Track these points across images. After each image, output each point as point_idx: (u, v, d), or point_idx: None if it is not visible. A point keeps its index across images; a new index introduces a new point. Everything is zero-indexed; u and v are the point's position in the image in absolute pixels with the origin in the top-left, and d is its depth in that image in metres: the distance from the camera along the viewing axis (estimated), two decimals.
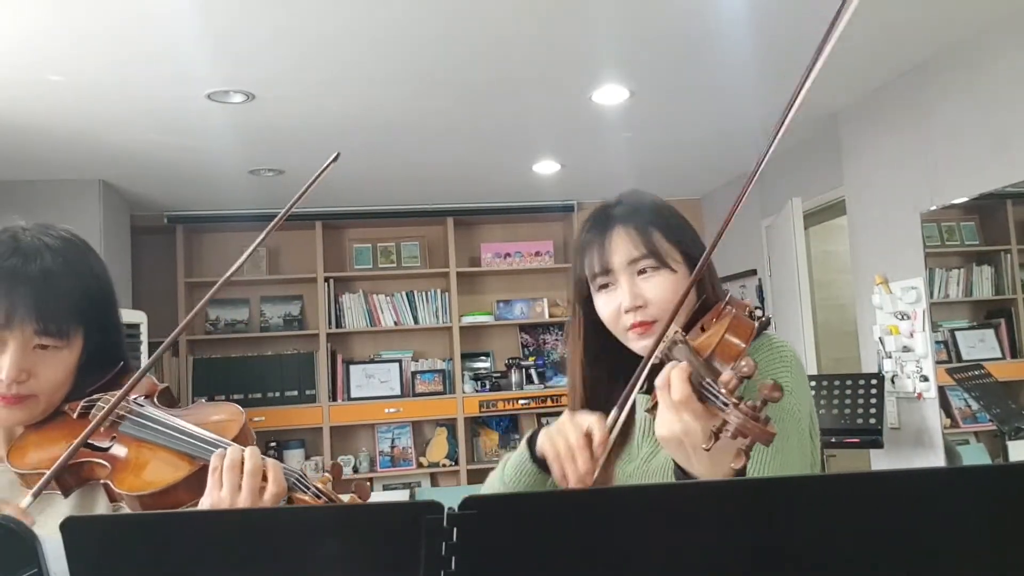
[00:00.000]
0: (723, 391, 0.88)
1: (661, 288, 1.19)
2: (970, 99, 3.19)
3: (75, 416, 1.13)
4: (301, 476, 1.06)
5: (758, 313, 1.15)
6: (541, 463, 1.16)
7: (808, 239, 4.71)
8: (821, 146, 4.36)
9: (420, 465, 5.58)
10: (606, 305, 1.23)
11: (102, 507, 1.11)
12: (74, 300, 1.11)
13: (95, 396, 1.14)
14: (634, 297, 1.19)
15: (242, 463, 1.02)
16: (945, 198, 3.36)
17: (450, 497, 0.64)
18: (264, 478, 1.02)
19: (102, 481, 1.08)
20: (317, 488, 1.04)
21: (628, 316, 1.20)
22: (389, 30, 2.86)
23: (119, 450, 1.09)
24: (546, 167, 4.84)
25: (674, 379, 0.93)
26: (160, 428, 1.10)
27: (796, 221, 4.40)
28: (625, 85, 3.51)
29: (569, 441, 1.07)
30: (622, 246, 1.22)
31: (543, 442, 1.13)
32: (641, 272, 1.21)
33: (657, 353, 1.06)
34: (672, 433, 0.94)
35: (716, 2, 2.77)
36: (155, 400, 1.18)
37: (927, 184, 3.43)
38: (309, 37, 2.89)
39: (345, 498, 1.08)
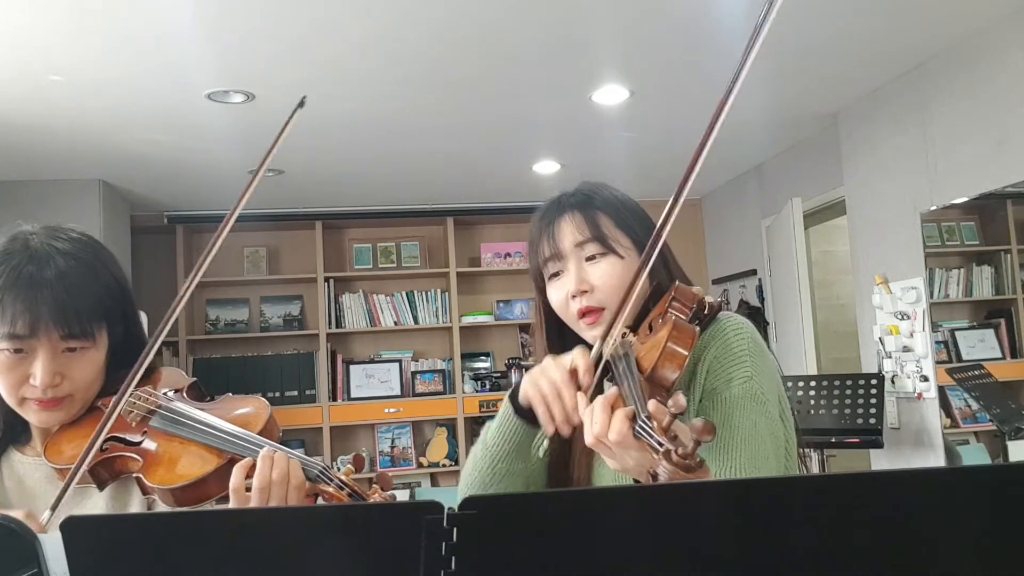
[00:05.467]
0: (656, 430, 0.87)
1: (607, 273, 1.19)
2: (970, 99, 3.19)
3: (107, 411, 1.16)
4: (325, 468, 1.06)
5: (708, 300, 1.14)
6: (526, 415, 1.14)
7: (808, 239, 4.71)
8: (821, 146, 4.36)
9: (420, 465, 5.58)
10: (556, 293, 1.23)
11: (136, 500, 1.14)
12: (93, 298, 1.13)
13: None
14: (580, 282, 1.19)
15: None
16: (945, 198, 3.36)
17: (450, 497, 0.64)
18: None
19: (135, 475, 1.10)
20: (341, 480, 1.05)
21: (575, 302, 1.20)
22: (389, 30, 2.86)
23: (150, 444, 1.12)
24: (546, 167, 4.84)
25: (614, 422, 0.94)
26: (189, 423, 1.12)
27: (796, 221, 4.40)
28: (625, 85, 3.51)
29: (553, 379, 1.07)
30: (568, 231, 1.22)
31: (526, 387, 1.11)
32: (590, 258, 1.21)
33: (606, 354, 1.06)
34: (625, 468, 0.96)
35: (716, 3, 2.78)
36: (184, 394, 1.20)
37: (927, 184, 3.43)
38: (309, 37, 2.89)
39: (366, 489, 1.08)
